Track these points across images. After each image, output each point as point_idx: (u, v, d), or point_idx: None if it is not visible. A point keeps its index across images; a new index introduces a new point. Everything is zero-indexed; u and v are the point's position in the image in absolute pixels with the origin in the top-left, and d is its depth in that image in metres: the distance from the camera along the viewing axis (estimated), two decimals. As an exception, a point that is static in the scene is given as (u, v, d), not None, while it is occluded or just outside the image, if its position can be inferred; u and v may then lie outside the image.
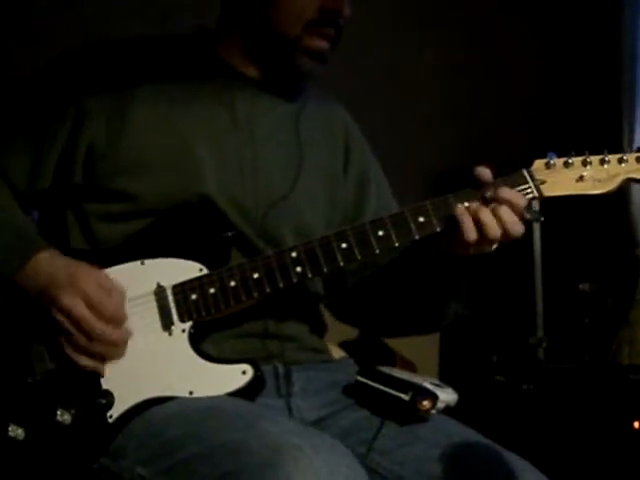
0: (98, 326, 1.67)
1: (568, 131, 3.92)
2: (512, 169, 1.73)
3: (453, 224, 1.70)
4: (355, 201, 2.00)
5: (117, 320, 1.70)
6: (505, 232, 1.69)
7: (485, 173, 1.71)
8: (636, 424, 3.06)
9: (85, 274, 1.70)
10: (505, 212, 1.68)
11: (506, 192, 1.69)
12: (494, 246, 1.72)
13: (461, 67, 4.10)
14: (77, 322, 1.67)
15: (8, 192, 1.83)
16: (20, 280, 1.72)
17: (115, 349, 1.70)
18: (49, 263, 1.72)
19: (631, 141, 3.96)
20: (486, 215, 1.68)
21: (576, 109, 4.13)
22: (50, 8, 3.25)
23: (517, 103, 4.20)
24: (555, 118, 4.16)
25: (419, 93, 4.00)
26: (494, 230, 1.68)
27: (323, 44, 1.84)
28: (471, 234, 1.68)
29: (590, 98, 4.12)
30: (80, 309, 1.67)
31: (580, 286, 3.80)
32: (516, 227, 1.69)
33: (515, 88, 4.20)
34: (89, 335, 1.67)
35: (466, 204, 1.70)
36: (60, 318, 1.68)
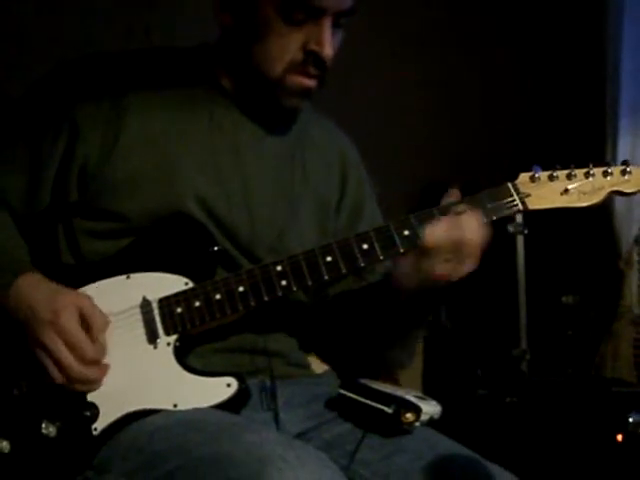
0: (76, 368, 1.68)
1: (553, 142, 3.94)
2: (498, 181, 1.74)
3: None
4: (345, 229, 1.97)
5: (96, 361, 1.70)
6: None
7: (456, 194, 1.73)
8: (619, 437, 3.07)
9: (67, 309, 1.69)
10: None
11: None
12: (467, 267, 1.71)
13: (447, 81, 4.11)
14: (57, 362, 1.68)
15: (3, 213, 1.83)
16: (3, 300, 1.72)
17: (93, 385, 1.71)
18: (29, 291, 1.71)
19: (614, 151, 3.98)
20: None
21: (560, 121, 4.15)
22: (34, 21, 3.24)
23: (502, 116, 4.22)
24: (540, 130, 4.18)
25: (404, 106, 4.01)
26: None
27: (307, 82, 1.80)
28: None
29: (574, 109, 4.14)
30: (61, 351, 1.67)
31: (563, 299, 3.82)
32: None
33: (500, 102, 4.22)
34: (68, 376, 1.68)
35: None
36: (40, 355, 1.69)
